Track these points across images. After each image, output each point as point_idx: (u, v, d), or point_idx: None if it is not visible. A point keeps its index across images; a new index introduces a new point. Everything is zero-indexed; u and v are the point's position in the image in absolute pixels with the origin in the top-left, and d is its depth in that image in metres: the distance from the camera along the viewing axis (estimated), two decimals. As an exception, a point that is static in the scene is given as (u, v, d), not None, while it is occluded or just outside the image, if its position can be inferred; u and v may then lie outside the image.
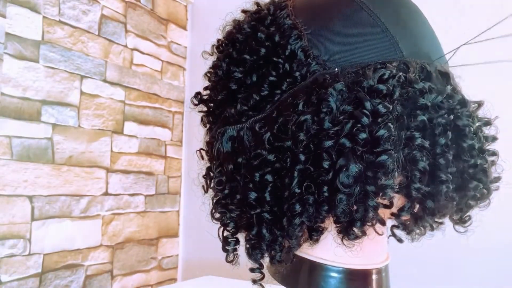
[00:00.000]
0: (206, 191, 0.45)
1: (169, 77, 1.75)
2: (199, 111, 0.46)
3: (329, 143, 0.34)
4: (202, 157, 0.46)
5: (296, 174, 0.35)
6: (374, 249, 0.41)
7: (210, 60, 0.46)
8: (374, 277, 0.41)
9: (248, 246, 0.40)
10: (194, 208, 1.76)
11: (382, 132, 0.33)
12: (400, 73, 0.35)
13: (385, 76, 0.35)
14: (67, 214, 1.32)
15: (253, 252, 0.40)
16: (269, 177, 0.37)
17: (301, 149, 0.35)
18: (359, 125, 0.33)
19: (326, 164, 0.34)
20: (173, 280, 1.75)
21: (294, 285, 0.42)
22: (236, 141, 0.39)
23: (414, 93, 0.35)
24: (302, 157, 0.35)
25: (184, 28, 1.85)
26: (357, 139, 0.33)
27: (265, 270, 0.43)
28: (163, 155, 1.71)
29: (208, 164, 0.45)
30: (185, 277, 1.76)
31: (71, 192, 1.34)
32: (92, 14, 1.42)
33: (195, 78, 1.83)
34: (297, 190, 0.35)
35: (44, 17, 1.27)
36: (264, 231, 0.38)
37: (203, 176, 0.46)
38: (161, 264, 1.69)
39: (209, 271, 1.57)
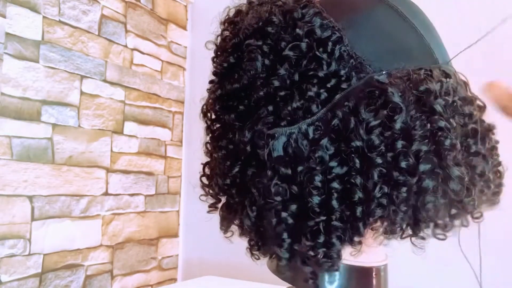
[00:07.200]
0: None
1: (169, 77, 1.75)
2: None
3: (400, 144, 0.34)
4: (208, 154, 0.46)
5: (376, 177, 0.35)
6: (374, 248, 0.42)
7: (211, 60, 0.45)
8: (374, 275, 0.42)
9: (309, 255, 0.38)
10: (194, 208, 1.76)
11: (454, 141, 0.35)
12: (455, 83, 0.36)
13: (445, 86, 0.35)
14: (67, 214, 1.32)
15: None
16: (335, 184, 0.36)
17: (377, 152, 0.35)
18: (444, 133, 0.34)
19: (404, 164, 0.34)
20: (173, 280, 1.75)
21: (295, 280, 0.42)
22: (288, 145, 0.37)
23: (459, 102, 0.37)
24: (380, 160, 0.35)
25: (184, 28, 1.85)
26: (444, 146, 0.34)
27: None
28: (163, 155, 1.71)
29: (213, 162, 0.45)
30: (185, 277, 1.76)
31: (71, 192, 1.34)
32: (92, 14, 1.42)
33: (195, 78, 1.83)
34: (378, 194, 0.35)
35: (44, 17, 1.27)
36: (334, 239, 0.36)
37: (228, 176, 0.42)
38: (161, 264, 1.69)
39: (209, 271, 1.57)
